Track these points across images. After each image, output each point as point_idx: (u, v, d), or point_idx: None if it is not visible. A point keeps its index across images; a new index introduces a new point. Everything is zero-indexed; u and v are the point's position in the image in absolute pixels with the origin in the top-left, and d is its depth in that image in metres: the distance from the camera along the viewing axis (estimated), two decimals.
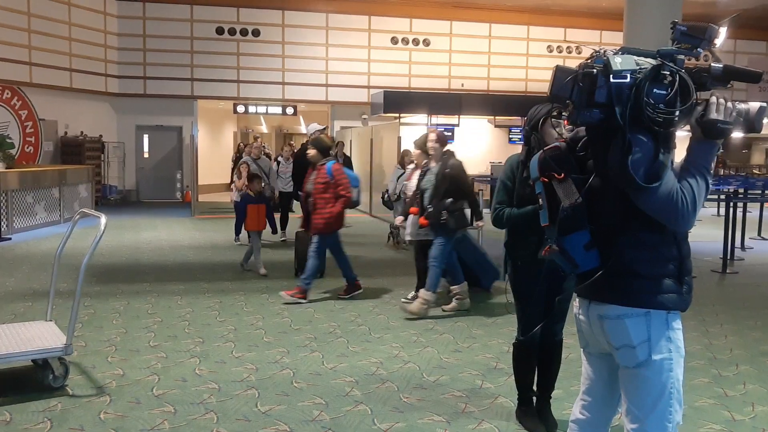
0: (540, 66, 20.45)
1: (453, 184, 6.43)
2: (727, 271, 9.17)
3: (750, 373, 5.05)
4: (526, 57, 20.90)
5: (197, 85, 19.23)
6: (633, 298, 2.29)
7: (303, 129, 25.40)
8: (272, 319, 6.39)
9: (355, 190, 7.45)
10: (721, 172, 23.19)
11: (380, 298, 7.38)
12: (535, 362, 3.95)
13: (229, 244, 11.21)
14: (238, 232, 10.67)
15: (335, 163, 7.28)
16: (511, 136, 18.44)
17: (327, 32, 19.80)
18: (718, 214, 14.11)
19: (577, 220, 2.32)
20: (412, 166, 7.84)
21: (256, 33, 19.36)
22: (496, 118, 19.68)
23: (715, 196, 11.21)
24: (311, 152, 7.40)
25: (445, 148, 6.65)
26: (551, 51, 20.95)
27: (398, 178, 10.04)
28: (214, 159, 22.05)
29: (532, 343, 3.87)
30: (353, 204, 7.59)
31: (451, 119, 17.90)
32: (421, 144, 6.93)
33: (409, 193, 7.23)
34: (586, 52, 2.37)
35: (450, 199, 6.38)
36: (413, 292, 7.13)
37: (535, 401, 4.01)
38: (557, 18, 20.84)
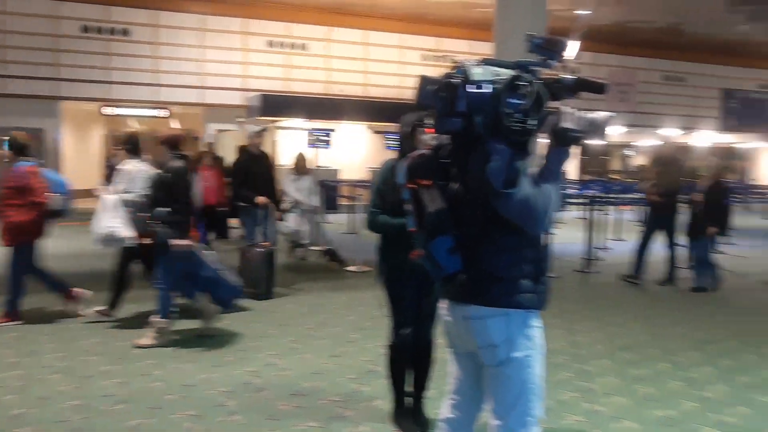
0: (415, 74, 20.83)
1: (169, 191, 5.63)
2: (589, 270, 9.74)
3: (608, 366, 5.38)
4: (401, 64, 21.30)
5: (63, 86, 18.17)
6: (494, 299, 2.39)
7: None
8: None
9: (60, 197, 6.36)
10: (585, 177, 24.64)
11: (257, 307, 7.26)
12: (409, 364, 4.02)
13: (95, 251, 10.62)
14: None
15: (32, 165, 6.28)
16: (387, 142, 18.73)
17: (202, 34, 19.31)
18: (583, 218, 14.94)
19: (441, 225, 2.38)
20: None
21: (126, 32, 18.57)
22: (374, 123, 19.94)
23: (578, 200, 11.90)
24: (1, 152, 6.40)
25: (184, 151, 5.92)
26: (425, 59, 21.47)
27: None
28: (80, 163, 20.88)
29: (405, 345, 3.94)
30: (57, 213, 6.41)
31: (329, 124, 17.95)
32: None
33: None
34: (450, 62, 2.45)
35: (165, 209, 5.58)
36: (104, 306, 6.44)
37: (410, 402, 4.08)
38: (430, 27, 21.38)
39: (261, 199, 7.73)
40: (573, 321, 6.83)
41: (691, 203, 8.68)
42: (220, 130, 19.39)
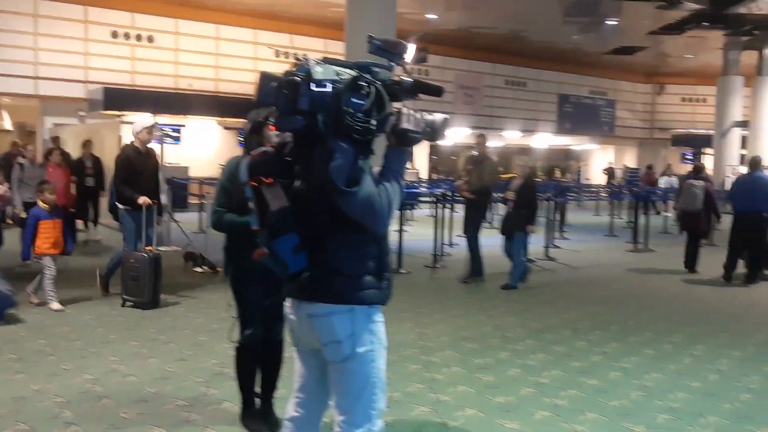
0: (268, 70, 20.68)
1: None
2: (437, 265, 10.10)
3: (454, 357, 5.61)
4: (254, 60, 20.98)
5: None
6: (337, 296, 2.42)
7: (7, 125, 22.67)
8: None
9: None
10: (434, 176, 25.50)
11: (97, 311, 6.87)
12: (258, 364, 3.98)
13: None
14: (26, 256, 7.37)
15: None
16: (239, 138, 18.37)
17: (35, 20, 17.96)
18: (433, 215, 15.46)
19: (285, 224, 2.38)
20: None
21: None
22: (226, 120, 19.50)
23: (428, 199, 12.30)
24: None
25: None
26: (278, 56, 21.28)
27: None
28: None
29: (253, 345, 3.90)
30: None
31: (178, 119, 17.34)
32: None
33: None
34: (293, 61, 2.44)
35: None
36: None
37: (259, 402, 4.04)
38: (284, 24, 21.24)
39: (143, 200, 7.02)
40: (421, 314, 7.06)
41: (504, 201, 8.88)
42: (58, 124, 18.15)
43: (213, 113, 19.32)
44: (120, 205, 7.17)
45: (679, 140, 31.33)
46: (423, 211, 15.76)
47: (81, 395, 4.46)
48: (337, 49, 20.50)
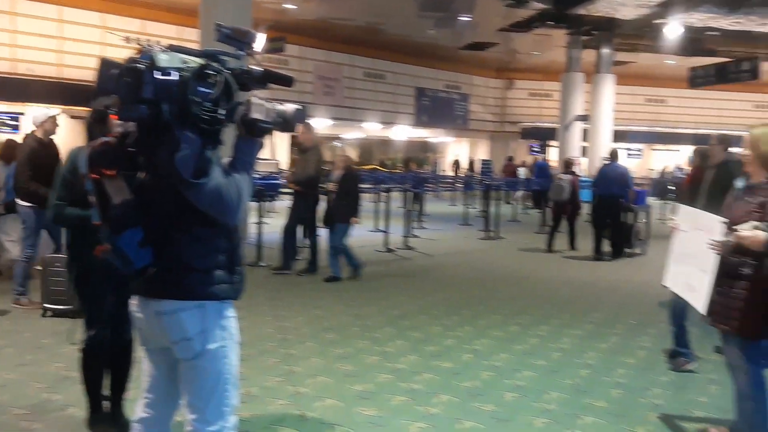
0: (118, 56, 19.63)
1: None
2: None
3: (313, 348, 5.62)
4: (102, 46, 19.82)
5: None
6: (187, 292, 2.35)
7: None
8: None
9: None
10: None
11: None
12: (105, 365, 3.79)
13: None
14: None
15: None
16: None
17: None
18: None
19: (129, 218, 2.28)
20: None
21: None
22: (72, 108, 18.32)
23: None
24: None
25: None
26: (129, 42, 20.25)
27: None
28: None
29: (100, 346, 3.70)
30: None
31: (16, 107, 16.10)
32: None
33: None
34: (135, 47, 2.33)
35: None
36: None
37: (107, 406, 3.84)
38: (135, 9, 20.25)
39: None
40: (280, 307, 7.00)
41: (327, 193, 8.81)
42: None
43: (57, 101, 18.05)
44: (22, 202, 6.53)
45: (528, 133, 33.16)
46: (283, 202, 15.64)
47: None
48: (191, 36, 19.81)
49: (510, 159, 25.58)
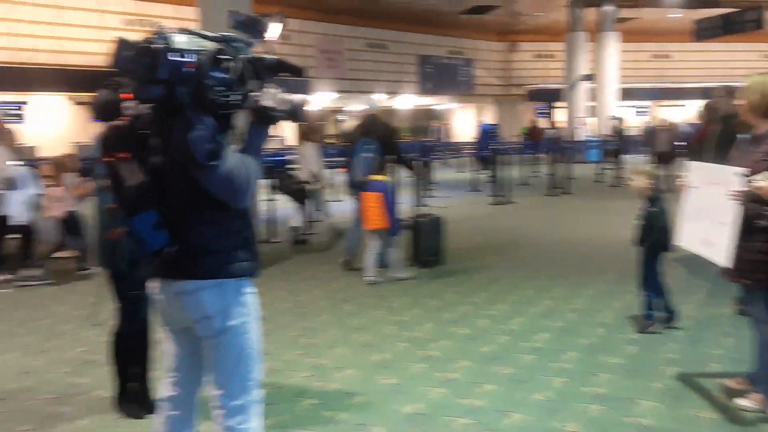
0: (125, 37, 19.55)
1: None
2: (309, 233, 10.08)
3: (331, 320, 5.68)
4: (101, 30, 19.74)
5: None
6: (205, 272, 2.38)
7: None
8: None
9: None
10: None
11: None
12: (130, 347, 3.86)
13: None
14: None
15: None
16: (93, 114, 17.33)
17: None
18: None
19: (143, 200, 2.30)
20: None
21: None
22: (74, 94, 18.31)
23: (296, 166, 12.17)
24: None
25: None
26: (128, 24, 20.15)
27: None
28: None
29: (126, 328, 3.77)
30: None
31: (19, 96, 16.11)
32: None
33: None
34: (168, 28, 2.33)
35: None
36: None
37: (133, 386, 3.92)
38: None
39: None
40: (296, 281, 7.06)
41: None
42: None
43: (59, 88, 18.08)
44: None
45: (534, 95, 32.85)
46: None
47: None
48: (188, 15, 19.71)
49: (534, 123, 25.50)
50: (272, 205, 9.86)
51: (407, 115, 31.41)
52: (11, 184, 7.22)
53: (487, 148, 16.10)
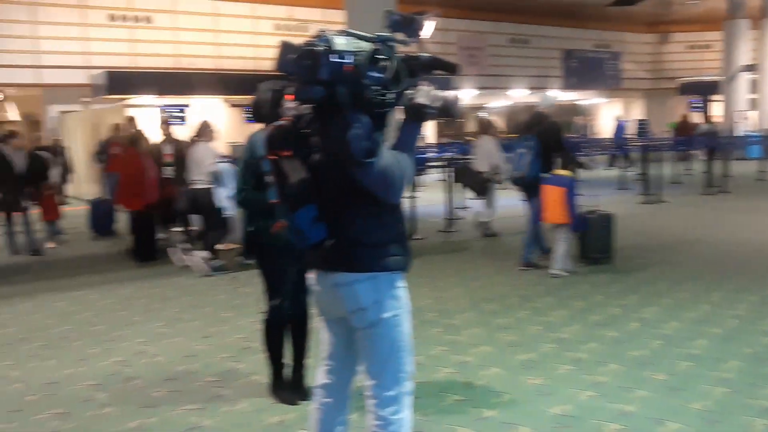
0: (269, 44, 20.51)
1: None
2: (451, 230, 10.13)
3: (474, 318, 5.67)
4: (254, 35, 20.83)
5: None
6: (360, 265, 2.46)
7: (14, 116, 22.71)
8: None
9: None
10: (443, 140, 25.39)
11: (119, 294, 6.97)
12: (286, 335, 4.05)
13: None
14: None
15: None
16: (246, 115, 18.33)
17: (33, 8, 17.88)
18: (444, 180, 15.41)
19: (304, 196, 2.41)
20: None
21: None
22: (230, 96, 19.42)
23: (437, 163, 12.28)
24: None
25: None
26: (279, 29, 21.11)
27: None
28: None
29: (281, 317, 3.97)
30: None
31: (182, 99, 17.31)
32: None
33: None
34: (314, 32, 2.45)
35: None
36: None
37: (288, 373, 4.11)
38: None
39: None
40: (438, 278, 7.11)
41: None
42: (64, 112, 18.18)
43: (217, 91, 19.24)
44: None
45: (687, 89, 30.93)
46: (432, 176, 15.72)
47: (111, 377, 4.56)
48: (335, 18, 20.33)
49: (684, 117, 24.14)
50: (415, 202, 9.97)
51: (551, 112, 30.64)
52: (218, 179, 7.77)
53: (624, 145, 15.41)
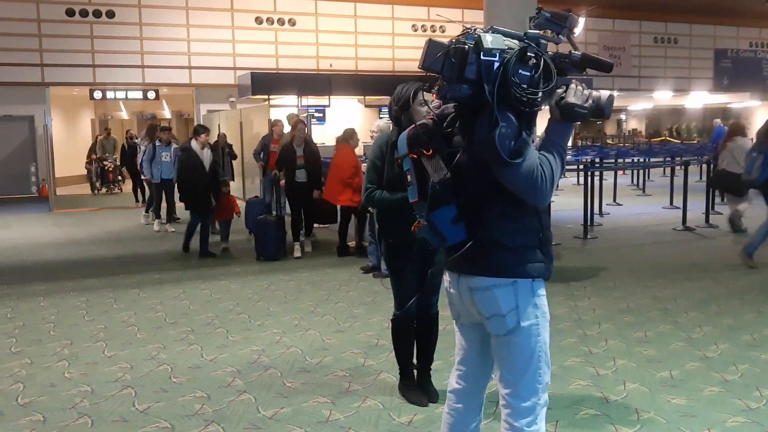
0: (406, 45, 20.73)
1: None
2: (588, 236, 9.76)
3: (611, 330, 5.42)
4: (392, 36, 21.11)
5: (48, 71, 17.96)
6: (500, 269, 2.39)
7: (167, 113, 24.41)
8: (145, 315, 6.14)
9: None
10: (579, 143, 24.64)
11: (257, 285, 7.28)
12: (414, 336, 4.05)
13: (92, 237, 10.66)
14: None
15: None
16: (381, 116, 18.61)
17: (187, 12, 19.07)
18: (578, 183, 14.94)
19: (444, 195, 2.37)
20: None
21: (110, 14, 18.32)
22: (366, 98, 19.79)
23: (574, 167, 11.89)
24: None
25: None
26: (416, 30, 21.27)
27: None
28: (71, 149, 20.77)
29: (409, 317, 3.96)
30: None
31: (322, 100, 17.81)
32: None
33: None
34: (450, 32, 2.42)
35: None
36: None
37: (416, 374, 4.11)
38: None
39: None
40: (574, 287, 6.86)
41: None
42: (211, 111, 19.27)
43: (354, 92, 19.66)
44: None
45: None
46: (568, 179, 15.27)
47: (249, 365, 4.75)
48: (475, 18, 20.19)
49: None
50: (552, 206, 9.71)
51: (696, 115, 28.89)
52: None
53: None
